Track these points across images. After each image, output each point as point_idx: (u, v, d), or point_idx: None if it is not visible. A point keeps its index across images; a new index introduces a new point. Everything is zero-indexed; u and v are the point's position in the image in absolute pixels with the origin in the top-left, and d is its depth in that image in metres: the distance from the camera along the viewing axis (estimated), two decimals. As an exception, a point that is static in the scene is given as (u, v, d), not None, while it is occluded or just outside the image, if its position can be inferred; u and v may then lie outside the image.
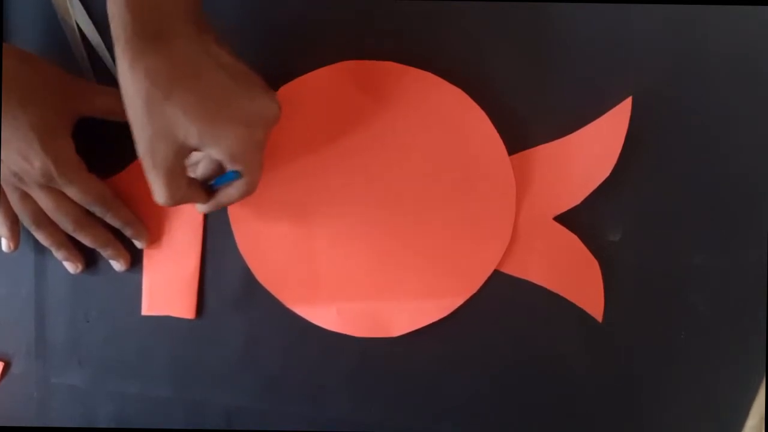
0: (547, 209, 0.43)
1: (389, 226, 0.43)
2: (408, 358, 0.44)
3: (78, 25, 0.43)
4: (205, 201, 0.40)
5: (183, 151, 0.35)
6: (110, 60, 0.44)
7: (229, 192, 0.39)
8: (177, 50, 0.33)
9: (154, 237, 0.45)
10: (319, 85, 0.43)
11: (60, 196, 0.40)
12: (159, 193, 0.36)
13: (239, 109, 0.35)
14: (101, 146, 0.43)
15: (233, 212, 0.44)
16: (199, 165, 0.40)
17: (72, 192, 0.40)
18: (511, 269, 0.43)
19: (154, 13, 0.33)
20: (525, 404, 0.44)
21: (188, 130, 0.34)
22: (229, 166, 0.37)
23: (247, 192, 0.39)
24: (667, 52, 0.42)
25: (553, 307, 0.43)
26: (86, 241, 0.43)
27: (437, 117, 0.42)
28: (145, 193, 0.43)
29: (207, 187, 0.40)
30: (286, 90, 0.43)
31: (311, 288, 0.43)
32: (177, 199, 0.36)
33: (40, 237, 0.43)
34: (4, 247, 0.43)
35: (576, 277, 0.43)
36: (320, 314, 0.43)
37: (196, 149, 0.35)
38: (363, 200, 0.43)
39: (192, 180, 0.38)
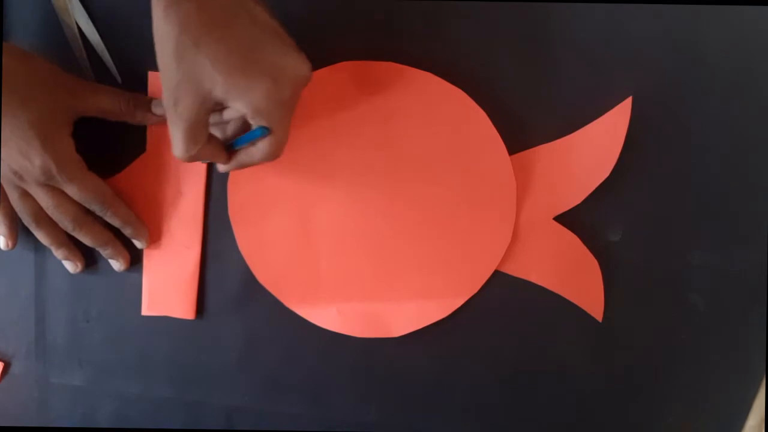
0: (547, 209, 0.43)
1: (389, 226, 0.43)
2: (408, 358, 0.44)
3: (78, 25, 0.43)
4: (225, 161, 0.39)
5: (207, 103, 0.34)
6: (110, 60, 0.44)
7: (251, 151, 0.38)
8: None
9: (154, 237, 0.44)
10: (319, 85, 0.43)
11: (60, 194, 0.40)
12: (176, 145, 0.35)
13: (268, 64, 0.34)
14: (101, 146, 0.43)
15: (233, 212, 0.43)
16: (229, 124, 0.40)
17: (72, 190, 0.40)
18: (512, 269, 0.43)
19: None
20: (525, 404, 0.44)
21: (214, 81, 0.33)
22: (253, 122, 0.36)
23: (272, 153, 0.37)
24: (667, 52, 0.42)
25: (553, 307, 0.43)
26: (86, 240, 0.43)
27: (437, 117, 0.42)
28: (145, 193, 0.44)
29: (228, 147, 0.39)
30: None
31: (311, 288, 0.43)
32: (192, 155, 0.36)
33: (40, 236, 0.42)
34: (2, 245, 0.43)
35: (576, 277, 0.43)
36: (320, 314, 0.43)
37: (221, 102, 0.35)
38: (363, 200, 0.43)
39: (213, 138, 0.38)
